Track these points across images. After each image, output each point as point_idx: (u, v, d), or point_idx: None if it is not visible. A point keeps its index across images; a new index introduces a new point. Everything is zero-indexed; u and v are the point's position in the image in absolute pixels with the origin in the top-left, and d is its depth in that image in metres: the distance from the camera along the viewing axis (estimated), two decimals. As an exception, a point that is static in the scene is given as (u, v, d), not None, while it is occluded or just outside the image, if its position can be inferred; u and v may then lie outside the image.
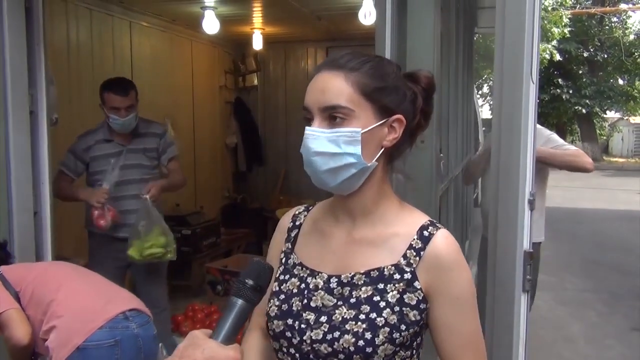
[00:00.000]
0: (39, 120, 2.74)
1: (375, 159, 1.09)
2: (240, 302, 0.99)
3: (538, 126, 3.16)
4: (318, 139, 1.06)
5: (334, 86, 1.06)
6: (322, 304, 1.10)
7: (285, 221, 1.27)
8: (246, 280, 1.00)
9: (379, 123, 1.08)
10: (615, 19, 22.41)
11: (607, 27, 22.08)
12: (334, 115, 1.06)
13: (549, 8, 15.04)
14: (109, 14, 4.72)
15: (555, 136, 3.25)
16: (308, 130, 1.07)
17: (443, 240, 1.10)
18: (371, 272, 1.10)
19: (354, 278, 1.10)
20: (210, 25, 5.03)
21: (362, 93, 1.07)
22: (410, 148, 1.18)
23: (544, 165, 3.11)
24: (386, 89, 1.09)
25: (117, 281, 2.56)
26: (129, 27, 5.02)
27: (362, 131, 1.06)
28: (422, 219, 1.14)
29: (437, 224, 1.13)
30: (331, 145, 1.06)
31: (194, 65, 6.23)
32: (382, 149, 1.10)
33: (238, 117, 7.11)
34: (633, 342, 4.54)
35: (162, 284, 3.51)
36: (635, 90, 23.40)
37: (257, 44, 6.17)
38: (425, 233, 1.10)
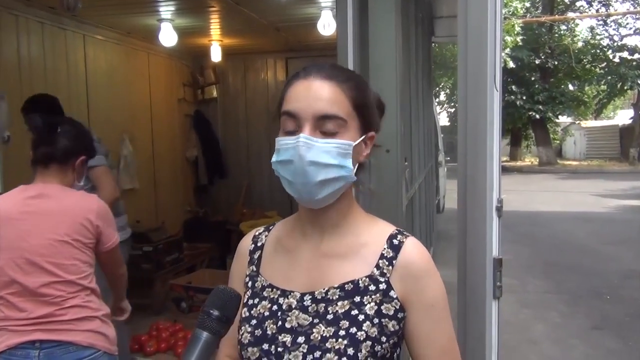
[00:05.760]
0: (-11, 139, 2.64)
1: (354, 173, 1.07)
2: (205, 334, 0.93)
3: None
4: (313, 149, 1.01)
5: (331, 95, 1.03)
6: (298, 324, 1.06)
7: (245, 244, 1.22)
8: (211, 311, 0.94)
9: (361, 138, 1.07)
10: (564, 27, 23.17)
11: (556, 35, 22.78)
12: (327, 125, 1.02)
13: (501, 17, 15.47)
14: (61, 27, 4.59)
15: None
16: (303, 137, 1.01)
17: (414, 248, 1.09)
18: (345, 286, 1.07)
19: (328, 293, 1.07)
20: (168, 37, 4.97)
21: (354, 106, 1.05)
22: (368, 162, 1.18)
23: None
24: (368, 105, 1.09)
25: None
26: (83, 40, 4.90)
27: (354, 144, 1.05)
28: (389, 228, 1.13)
29: (405, 232, 1.12)
30: (326, 155, 1.02)
31: (151, 78, 6.12)
32: (357, 165, 1.08)
33: (198, 130, 7.02)
34: (595, 341, 4.64)
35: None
36: (585, 96, 24.24)
37: (216, 55, 6.11)
38: (395, 241, 1.09)
